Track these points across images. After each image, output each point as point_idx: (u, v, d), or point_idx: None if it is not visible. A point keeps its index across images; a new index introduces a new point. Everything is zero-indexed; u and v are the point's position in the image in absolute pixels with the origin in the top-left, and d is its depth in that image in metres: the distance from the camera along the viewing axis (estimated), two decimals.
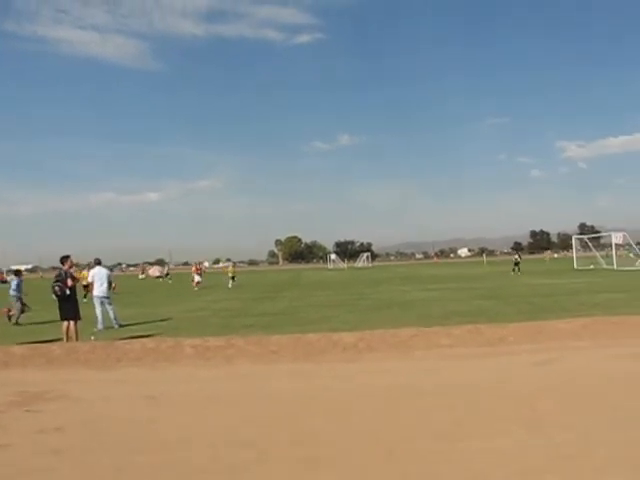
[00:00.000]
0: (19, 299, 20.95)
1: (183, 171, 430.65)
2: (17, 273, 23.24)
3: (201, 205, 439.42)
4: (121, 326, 17.90)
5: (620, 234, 49.04)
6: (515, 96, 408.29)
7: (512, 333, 12.54)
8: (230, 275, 46.50)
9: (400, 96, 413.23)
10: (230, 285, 44.53)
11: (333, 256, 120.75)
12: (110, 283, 18.45)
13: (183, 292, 40.12)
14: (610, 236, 51.81)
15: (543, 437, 5.98)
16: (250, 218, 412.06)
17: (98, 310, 17.80)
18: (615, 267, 46.02)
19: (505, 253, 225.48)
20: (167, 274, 68.14)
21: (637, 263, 49.20)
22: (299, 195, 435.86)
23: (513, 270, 48.80)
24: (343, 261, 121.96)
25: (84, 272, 27.90)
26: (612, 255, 49.20)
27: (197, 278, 44.29)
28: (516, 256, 52.78)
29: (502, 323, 13.80)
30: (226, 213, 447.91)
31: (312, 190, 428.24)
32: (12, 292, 21.23)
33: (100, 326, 17.50)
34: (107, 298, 18.10)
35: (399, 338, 12.88)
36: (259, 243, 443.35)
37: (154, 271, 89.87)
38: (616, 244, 49.24)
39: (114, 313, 18.22)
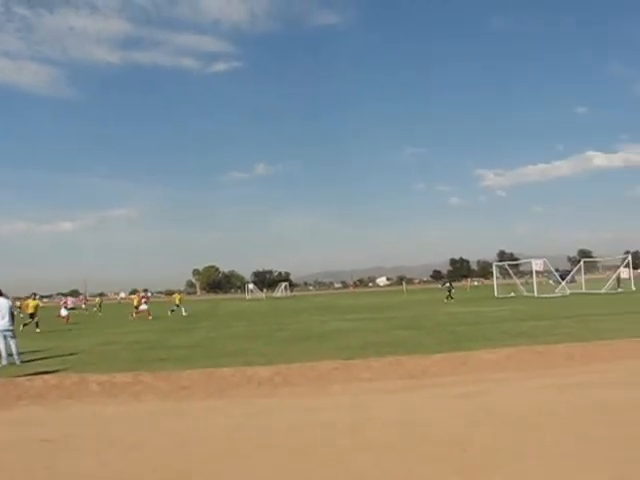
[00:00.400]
0: None
1: (98, 200, 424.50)
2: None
3: (117, 235, 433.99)
4: (23, 362, 16.88)
5: (540, 261, 50.72)
6: (434, 125, 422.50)
7: (435, 364, 12.50)
8: (177, 303, 47.82)
9: (317, 125, 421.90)
10: (184, 313, 45.68)
11: (251, 286, 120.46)
12: (12, 315, 17.39)
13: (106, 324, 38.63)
14: (530, 263, 53.39)
15: None
16: (167, 248, 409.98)
17: (1, 345, 16.75)
18: (535, 294, 47.40)
19: (425, 282, 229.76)
20: (100, 305, 64.86)
21: (557, 290, 50.95)
22: (217, 225, 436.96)
23: (447, 298, 49.79)
24: (261, 290, 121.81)
25: None
26: (532, 282, 50.59)
27: (143, 307, 43.94)
28: (447, 284, 53.56)
29: (424, 354, 13.75)
30: (142, 243, 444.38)
31: (230, 220, 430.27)
32: None
33: (4, 362, 16.52)
34: (10, 331, 17.04)
35: (317, 371, 12.69)
36: (177, 273, 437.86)
37: (67, 303, 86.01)
38: (536, 271, 50.73)
39: (16, 348, 17.17)
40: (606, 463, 6.02)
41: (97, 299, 72.65)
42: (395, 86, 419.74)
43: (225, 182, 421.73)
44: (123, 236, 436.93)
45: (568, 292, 48.43)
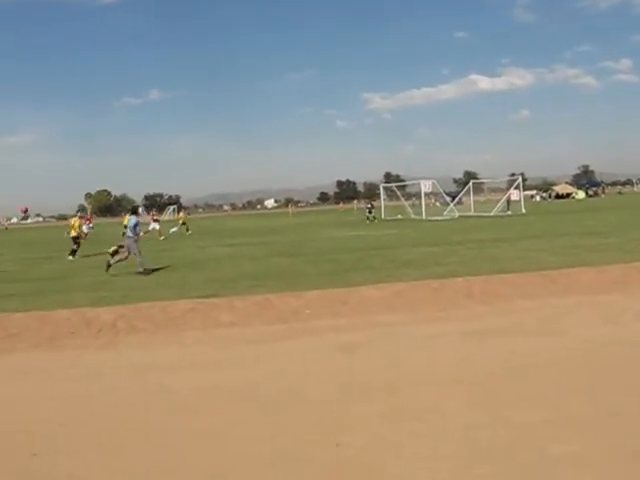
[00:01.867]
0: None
1: None
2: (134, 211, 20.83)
3: (9, 161, 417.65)
4: None
5: (429, 182, 49.35)
6: (322, 49, 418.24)
7: (310, 304, 10.42)
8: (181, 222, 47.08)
9: (208, 52, 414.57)
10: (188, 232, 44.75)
11: (140, 209, 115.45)
12: None
13: None
14: (418, 184, 52.10)
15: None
16: (61, 173, 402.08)
17: None
18: (424, 217, 46.28)
19: (311, 204, 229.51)
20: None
21: (445, 212, 50.06)
22: (110, 150, 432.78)
23: (368, 219, 47.70)
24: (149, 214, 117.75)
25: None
26: (421, 204, 49.36)
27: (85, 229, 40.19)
28: (369, 205, 51.54)
29: (297, 292, 11.53)
30: (36, 169, 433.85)
31: (123, 144, 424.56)
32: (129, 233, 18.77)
33: None
34: None
35: (169, 314, 10.40)
36: (70, 198, 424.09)
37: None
38: (425, 193, 49.30)
39: None
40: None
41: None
42: (282, 13, 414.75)
43: (119, 107, 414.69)
44: (17, 162, 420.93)
45: (457, 215, 47.57)
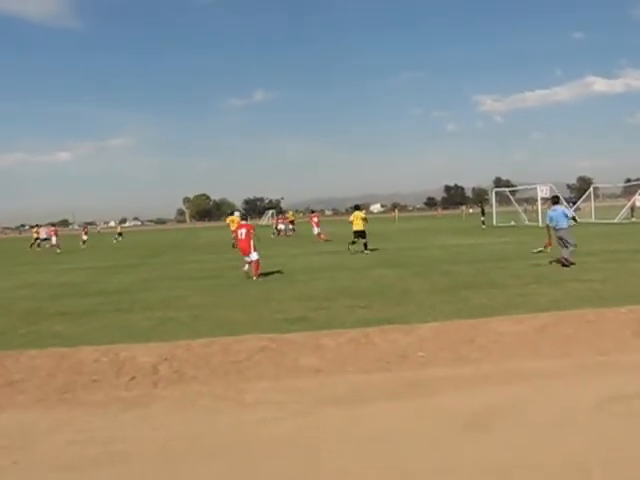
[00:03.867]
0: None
1: (95, 130, 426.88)
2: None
3: (113, 164, 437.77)
4: None
5: (546, 187, 45.27)
6: (432, 50, 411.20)
7: (423, 343, 7.79)
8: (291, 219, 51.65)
9: (316, 50, 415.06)
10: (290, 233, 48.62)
11: (236, 214, 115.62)
12: None
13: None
14: (530, 190, 48.27)
15: None
16: (161, 176, 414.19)
17: None
18: (540, 224, 42.43)
19: (419, 209, 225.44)
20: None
21: None
22: (211, 152, 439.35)
23: (483, 223, 47.31)
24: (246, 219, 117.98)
25: None
26: (537, 210, 45.47)
27: (281, 227, 46.07)
28: (481, 208, 49.87)
29: (406, 324, 8.95)
30: (137, 172, 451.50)
31: (225, 147, 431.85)
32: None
33: None
34: None
35: (232, 355, 8.01)
36: (168, 202, 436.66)
37: (42, 233, 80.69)
38: (542, 198, 45.28)
39: None
40: None
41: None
42: (393, 11, 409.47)
43: (223, 108, 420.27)
44: (117, 165, 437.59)
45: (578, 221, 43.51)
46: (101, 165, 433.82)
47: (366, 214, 28.51)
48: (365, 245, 25.35)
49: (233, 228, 30.99)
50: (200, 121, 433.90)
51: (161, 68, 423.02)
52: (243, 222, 19.13)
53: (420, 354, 7.31)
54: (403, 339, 7.77)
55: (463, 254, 22.20)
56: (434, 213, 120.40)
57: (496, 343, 7.58)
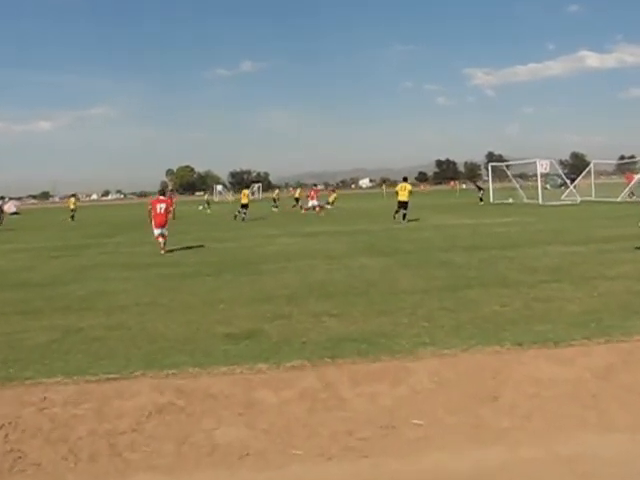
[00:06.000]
0: None
1: (76, 99, 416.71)
2: None
3: (93, 135, 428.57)
4: None
5: (546, 161, 42.30)
6: (423, 22, 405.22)
7: (419, 397, 5.01)
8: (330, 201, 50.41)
9: (305, 22, 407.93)
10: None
11: (219, 187, 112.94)
12: None
13: None
14: (531, 164, 45.32)
15: None
16: (144, 148, 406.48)
17: None
18: (540, 201, 39.75)
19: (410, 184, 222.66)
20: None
21: (564, 196, 43.38)
22: (197, 124, 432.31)
23: (481, 200, 45.48)
24: (231, 192, 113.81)
25: None
26: (537, 187, 42.60)
27: (312, 203, 42.35)
28: (479, 184, 48.10)
29: (393, 356, 6.14)
30: (120, 143, 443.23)
31: (211, 118, 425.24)
32: None
33: None
34: None
35: (111, 420, 5.15)
36: (153, 174, 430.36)
37: (10, 207, 77.14)
38: (542, 173, 42.35)
39: None
40: None
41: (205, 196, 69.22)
42: None
43: (209, 79, 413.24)
44: (100, 136, 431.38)
45: (579, 199, 40.81)
46: (83, 136, 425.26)
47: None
48: (404, 216, 26.96)
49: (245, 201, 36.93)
50: (185, 92, 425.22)
51: (144, 36, 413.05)
52: (162, 197, 19.44)
53: (415, 422, 4.58)
54: (388, 393, 5.00)
55: (462, 238, 19.34)
56: (421, 189, 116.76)
57: (535, 401, 4.84)
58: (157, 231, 18.50)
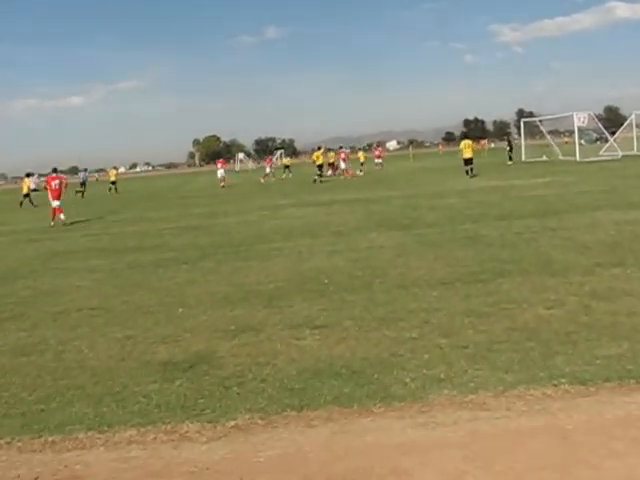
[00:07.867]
0: None
1: (107, 73, 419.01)
2: None
3: (124, 108, 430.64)
4: None
5: (584, 114, 38.89)
6: None
7: None
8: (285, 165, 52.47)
9: None
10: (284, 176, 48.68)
11: (241, 155, 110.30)
12: None
13: None
14: (567, 118, 42.03)
15: None
16: (172, 119, 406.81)
17: None
18: (578, 158, 36.83)
19: (436, 145, 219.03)
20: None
21: (602, 151, 40.26)
22: (223, 93, 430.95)
23: (510, 158, 41.96)
24: (256, 161, 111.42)
25: None
26: (574, 142, 39.55)
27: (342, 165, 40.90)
28: (508, 141, 46.12)
29: (399, 374, 3.83)
30: (149, 115, 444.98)
31: (236, 86, 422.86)
32: None
33: None
34: None
35: None
36: (180, 145, 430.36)
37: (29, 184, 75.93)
38: (579, 128, 39.05)
39: None
40: None
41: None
42: None
43: (234, 47, 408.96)
44: (130, 109, 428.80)
45: (620, 154, 37.80)
46: (113, 109, 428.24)
47: (471, 145, 30.39)
48: (471, 169, 29.20)
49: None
50: (210, 61, 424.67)
51: (170, 8, 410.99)
52: (54, 174, 22.74)
53: None
54: None
55: (492, 204, 16.75)
56: (438, 149, 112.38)
57: None
58: (55, 203, 21.25)
